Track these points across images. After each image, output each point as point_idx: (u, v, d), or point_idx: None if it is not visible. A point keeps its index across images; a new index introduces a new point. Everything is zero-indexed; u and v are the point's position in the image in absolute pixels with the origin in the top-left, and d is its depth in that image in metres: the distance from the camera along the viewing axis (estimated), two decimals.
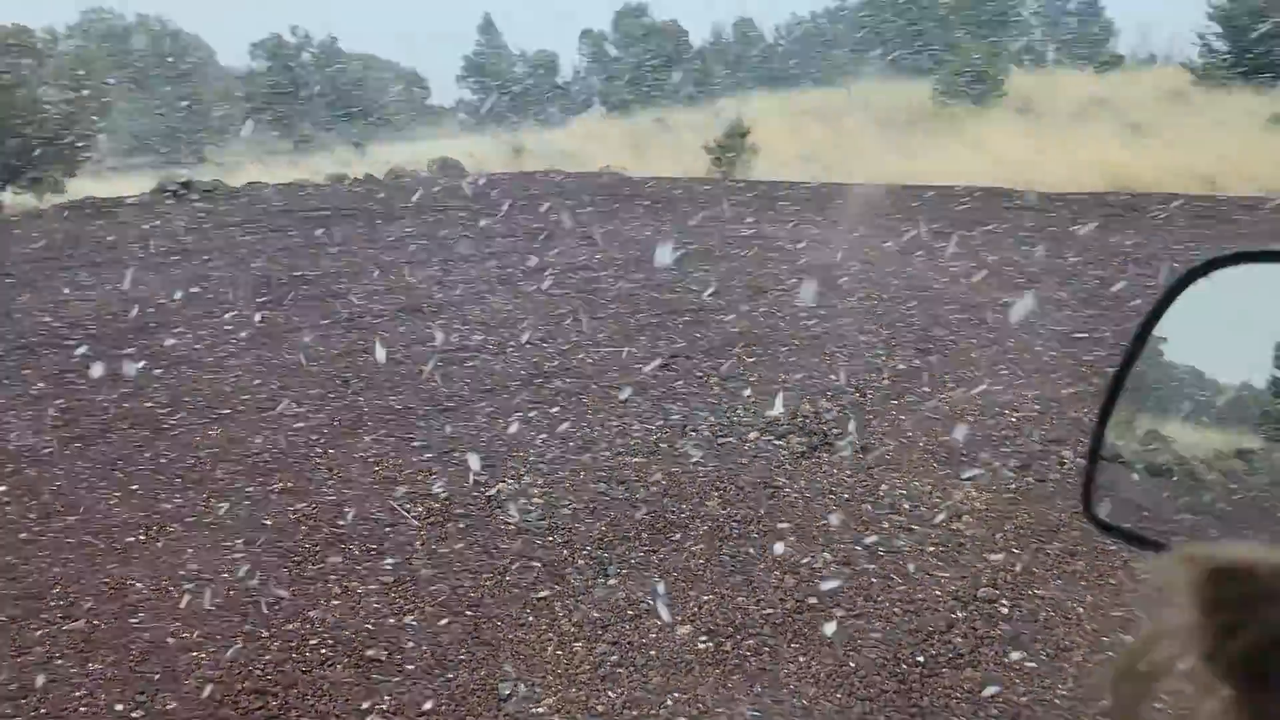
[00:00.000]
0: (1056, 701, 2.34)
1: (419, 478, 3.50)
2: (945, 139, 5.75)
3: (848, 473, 3.50)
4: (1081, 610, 2.70)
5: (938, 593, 2.86)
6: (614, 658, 2.52)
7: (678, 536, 3.03)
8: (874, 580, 2.93)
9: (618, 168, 9.67)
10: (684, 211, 7.28)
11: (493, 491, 3.37)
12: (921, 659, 2.58)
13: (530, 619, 2.66)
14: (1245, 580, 0.39)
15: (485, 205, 8.12)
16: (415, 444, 3.80)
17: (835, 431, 3.79)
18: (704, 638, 2.62)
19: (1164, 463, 1.02)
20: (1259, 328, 0.98)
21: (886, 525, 3.14)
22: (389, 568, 2.92)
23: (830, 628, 2.62)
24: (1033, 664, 2.47)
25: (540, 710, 2.32)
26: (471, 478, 3.41)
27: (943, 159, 5.38)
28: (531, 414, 4.03)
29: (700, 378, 4.42)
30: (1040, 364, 4.45)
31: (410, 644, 2.55)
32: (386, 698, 2.35)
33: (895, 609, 2.78)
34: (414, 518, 3.23)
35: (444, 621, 2.65)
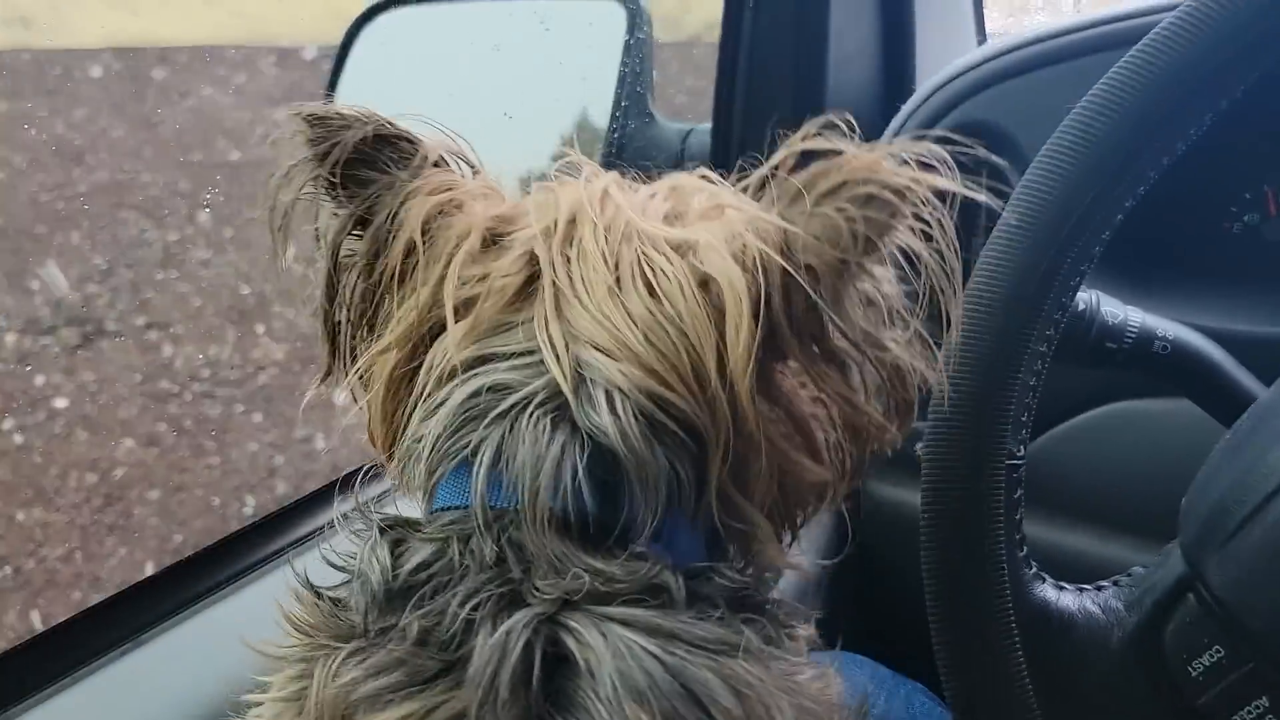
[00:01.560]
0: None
1: None
2: None
3: (134, 355, 3.26)
4: None
5: (254, 447, 2.85)
6: None
7: None
8: (185, 453, 2.82)
9: None
10: None
11: None
12: (250, 511, 2.57)
13: None
14: (331, 117, 0.54)
15: None
16: None
17: (111, 314, 3.48)
18: None
19: None
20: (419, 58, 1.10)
21: (188, 396, 3.02)
22: None
23: (147, 510, 2.49)
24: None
25: None
26: None
27: (178, 15, 5.00)
28: None
29: None
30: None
31: None
32: None
33: (213, 474, 2.72)
34: None
35: None
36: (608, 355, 0.46)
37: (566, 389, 0.46)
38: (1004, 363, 0.56)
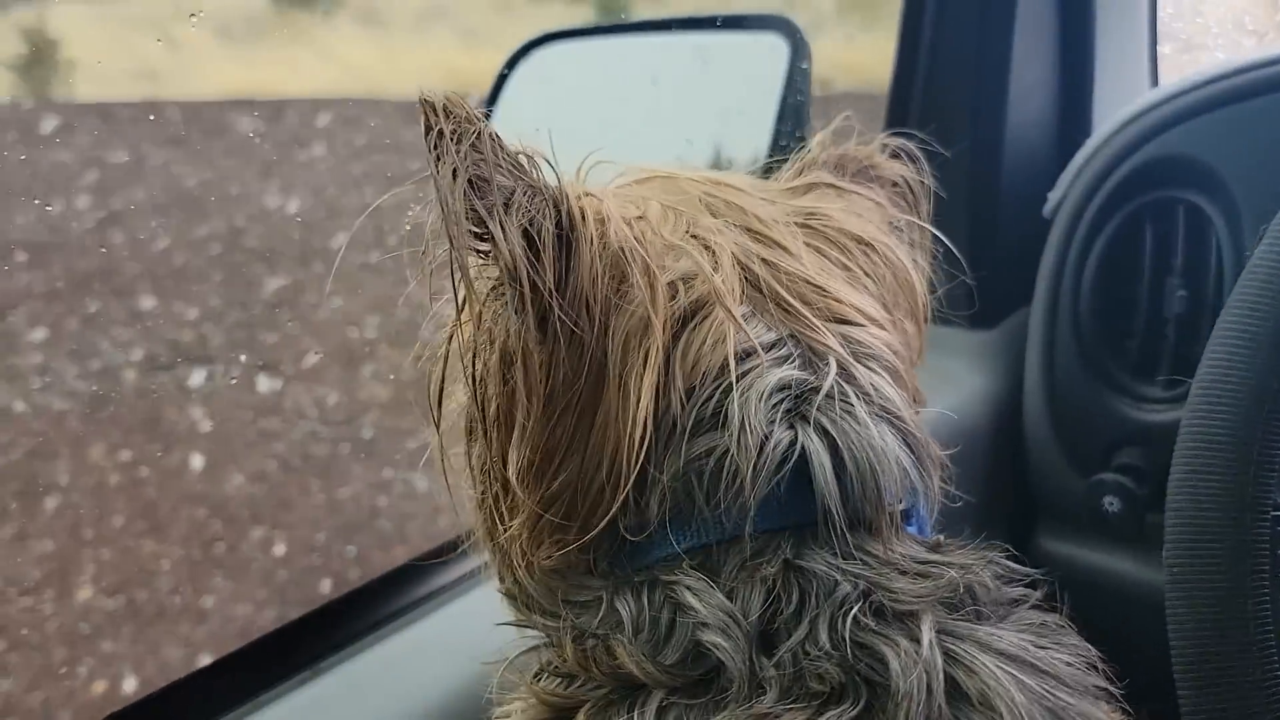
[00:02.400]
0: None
1: None
2: (292, 49, 5.58)
3: (245, 392, 3.34)
4: None
5: (359, 487, 2.88)
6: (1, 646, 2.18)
7: (54, 502, 2.68)
8: (292, 491, 2.86)
9: None
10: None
11: None
12: (353, 550, 2.59)
13: None
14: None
15: None
16: None
17: (225, 354, 3.58)
18: (110, 597, 2.37)
19: None
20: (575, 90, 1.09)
21: (297, 435, 3.08)
22: None
23: (253, 546, 2.53)
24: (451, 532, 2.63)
25: None
26: None
27: (292, 70, 5.21)
28: None
29: (54, 322, 3.86)
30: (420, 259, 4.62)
31: None
32: None
33: (318, 513, 2.75)
34: None
35: None
36: (862, 327, 0.46)
37: (861, 374, 0.44)
38: (1271, 402, 0.51)
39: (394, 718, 0.57)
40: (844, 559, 0.41)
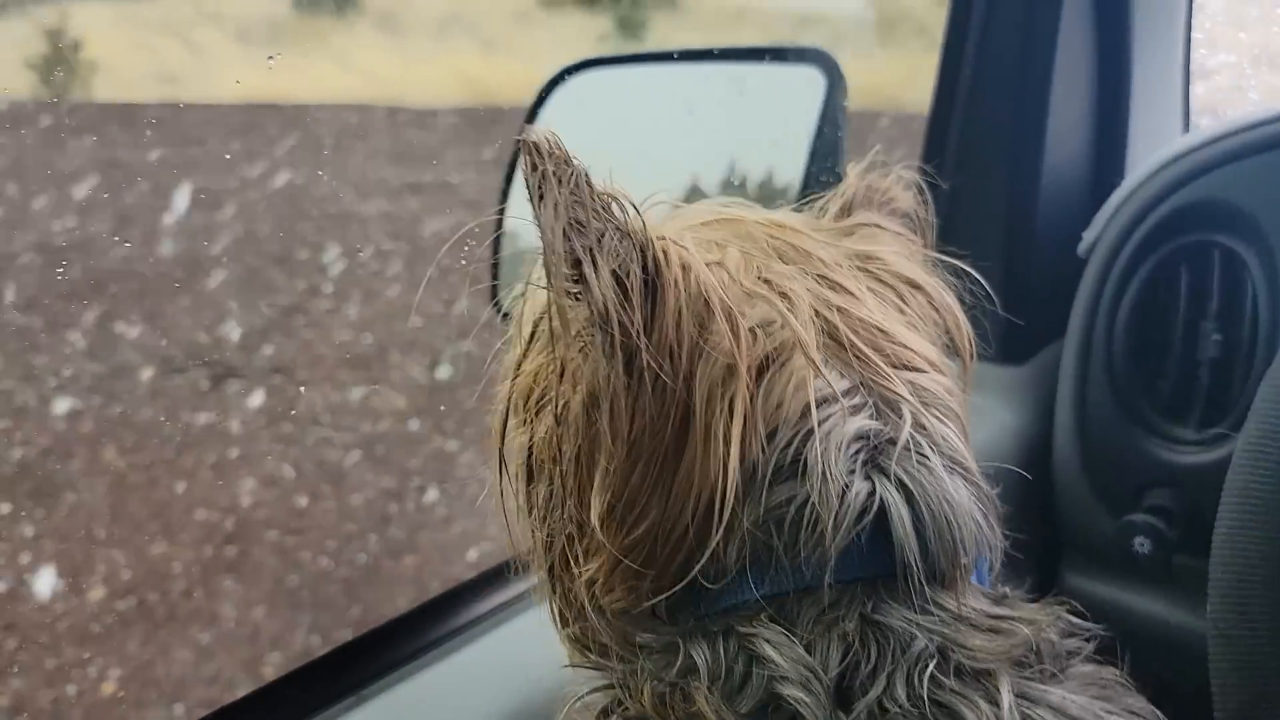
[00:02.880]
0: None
1: None
2: (310, 54, 5.60)
3: (260, 397, 3.35)
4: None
5: (371, 494, 2.88)
6: (11, 644, 2.18)
7: (70, 498, 2.68)
8: (304, 496, 2.86)
9: None
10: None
11: None
12: (364, 557, 2.59)
13: None
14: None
15: None
16: None
17: (240, 359, 3.59)
18: (121, 597, 2.37)
19: None
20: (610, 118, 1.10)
21: (309, 440, 3.08)
22: None
23: (263, 551, 2.53)
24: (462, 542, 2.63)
25: None
26: None
27: (311, 75, 5.23)
28: None
29: (68, 322, 3.87)
30: (437, 270, 4.62)
31: None
32: None
33: (329, 519, 2.76)
34: None
35: None
36: (926, 373, 0.47)
37: (932, 424, 0.44)
38: None
39: None
40: (920, 614, 0.41)
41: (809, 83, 1.01)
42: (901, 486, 0.42)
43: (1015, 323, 0.97)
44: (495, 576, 0.67)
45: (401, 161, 5.39)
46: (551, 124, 1.12)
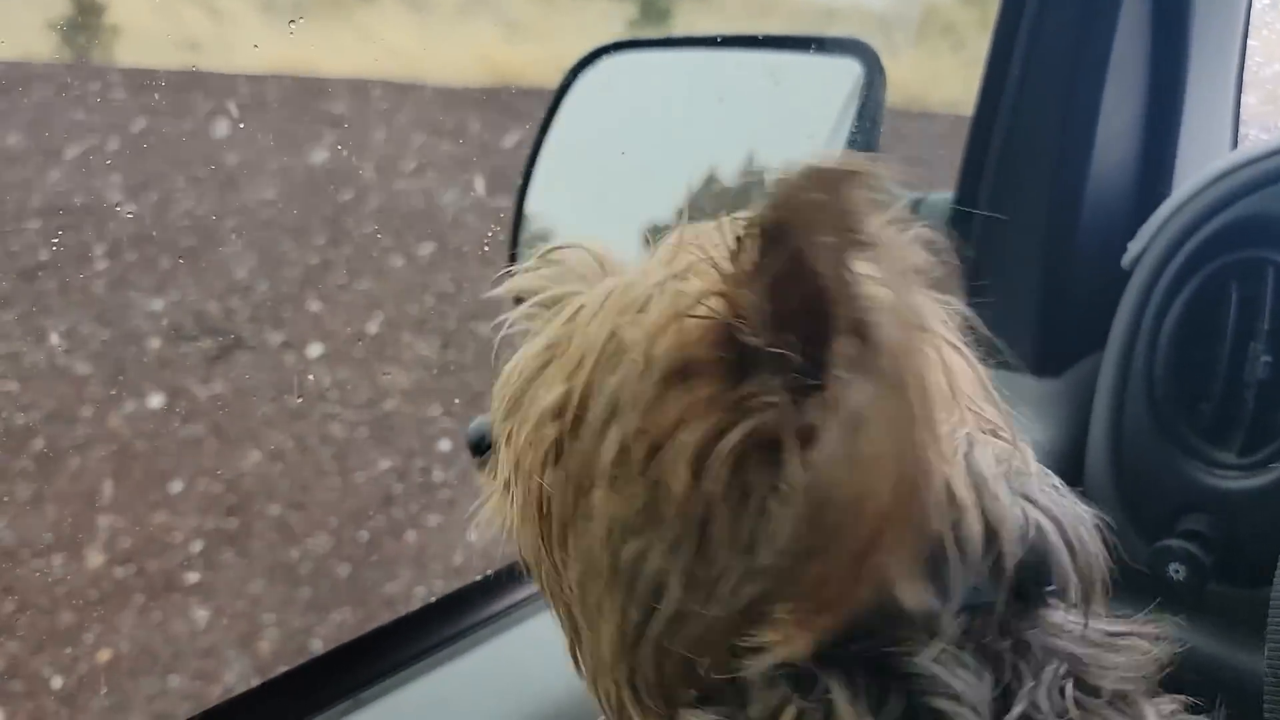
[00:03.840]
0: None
1: None
2: (335, 27, 5.57)
3: (268, 370, 3.34)
4: None
5: (375, 472, 2.87)
6: (9, 607, 2.17)
7: (75, 463, 2.67)
8: (308, 471, 2.85)
9: None
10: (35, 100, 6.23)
11: None
12: (366, 534, 2.58)
13: None
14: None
15: None
16: None
17: (250, 329, 3.57)
18: (121, 565, 2.36)
19: None
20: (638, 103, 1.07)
21: (316, 416, 3.06)
22: None
23: (266, 525, 2.52)
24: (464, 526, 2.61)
25: None
26: None
27: (335, 48, 5.21)
28: None
29: (81, 286, 3.86)
30: (450, 248, 4.61)
31: None
32: None
33: (332, 495, 2.74)
34: None
35: None
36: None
37: (1026, 449, 0.45)
38: None
39: None
40: (1062, 633, 0.41)
41: (847, 75, 0.98)
42: (1042, 508, 0.42)
43: (1052, 334, 0.94)
44: (500, 580, 0.65)
45: (422, 137, 5.36)
46: (578, 105, 1.09)
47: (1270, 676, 0.50)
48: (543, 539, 0.49)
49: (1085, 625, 0.42)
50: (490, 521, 0.57)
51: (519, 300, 0.59)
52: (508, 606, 0.64)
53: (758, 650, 0.41)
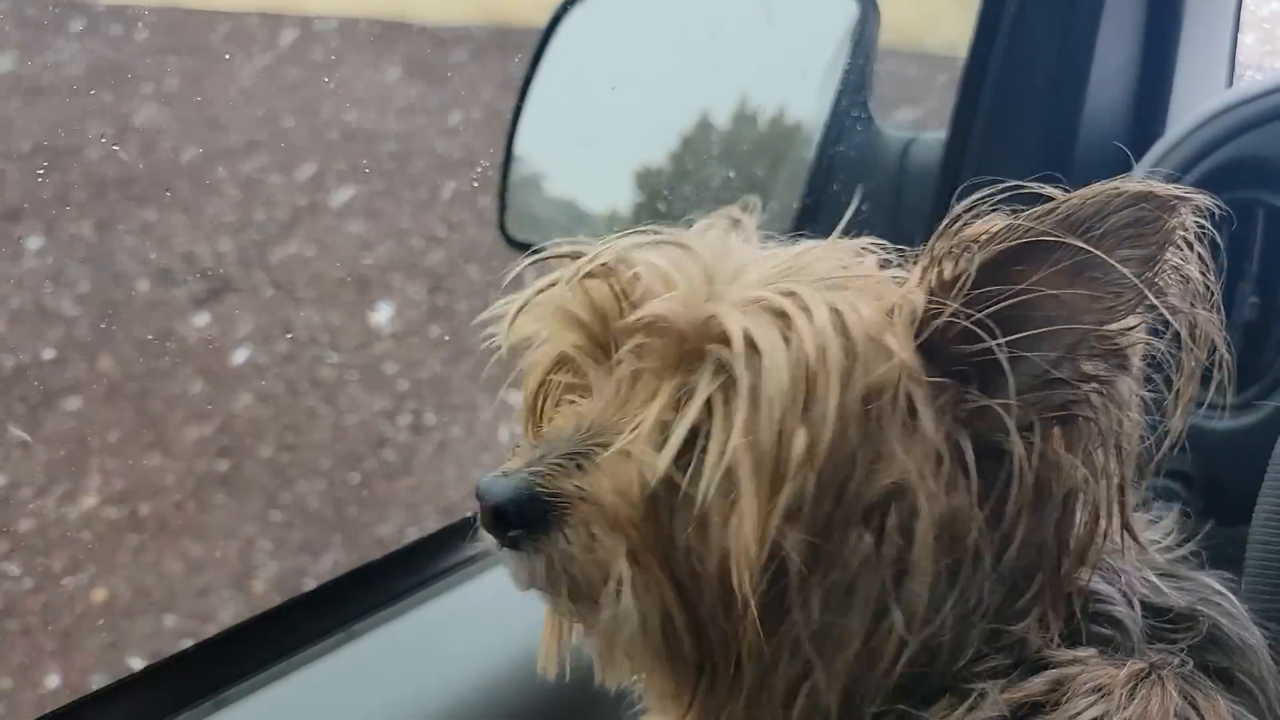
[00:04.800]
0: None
1: None
2: None
3: (256, 312, 3.32)
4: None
5: (365, 415, 2.87)
6: (4, 546, 2.19)
7: (66, 405, 2.67)
8: (299, 414, 2.85)
9: None
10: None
11: None
12: (357, 478, 2.59)
13: None
14: None
15: None
16: None
17: (238, 272, 3.54)
18: (114, 506, 2.37)
19: None
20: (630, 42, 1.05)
21: (306, 359, 3.06)
22: None
23: (257, 466, 2.53)
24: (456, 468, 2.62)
25: None
26: None
27: None
28: None
29: (69, 228, 3.82)
30: (436, 192, 4.56)
31: None
32: None
33: (323, 437, 2.75)
34: None
35: None
36: None
37: None
38: None
39: (430, 686, 0.56)
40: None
41: (840, 13, 0.97)
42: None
43: None
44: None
45: (410, 78, 5.28)
46: (568, 46, 1.07)
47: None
48: (759, 592, 0.45)
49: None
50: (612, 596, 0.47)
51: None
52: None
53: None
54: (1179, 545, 0.53)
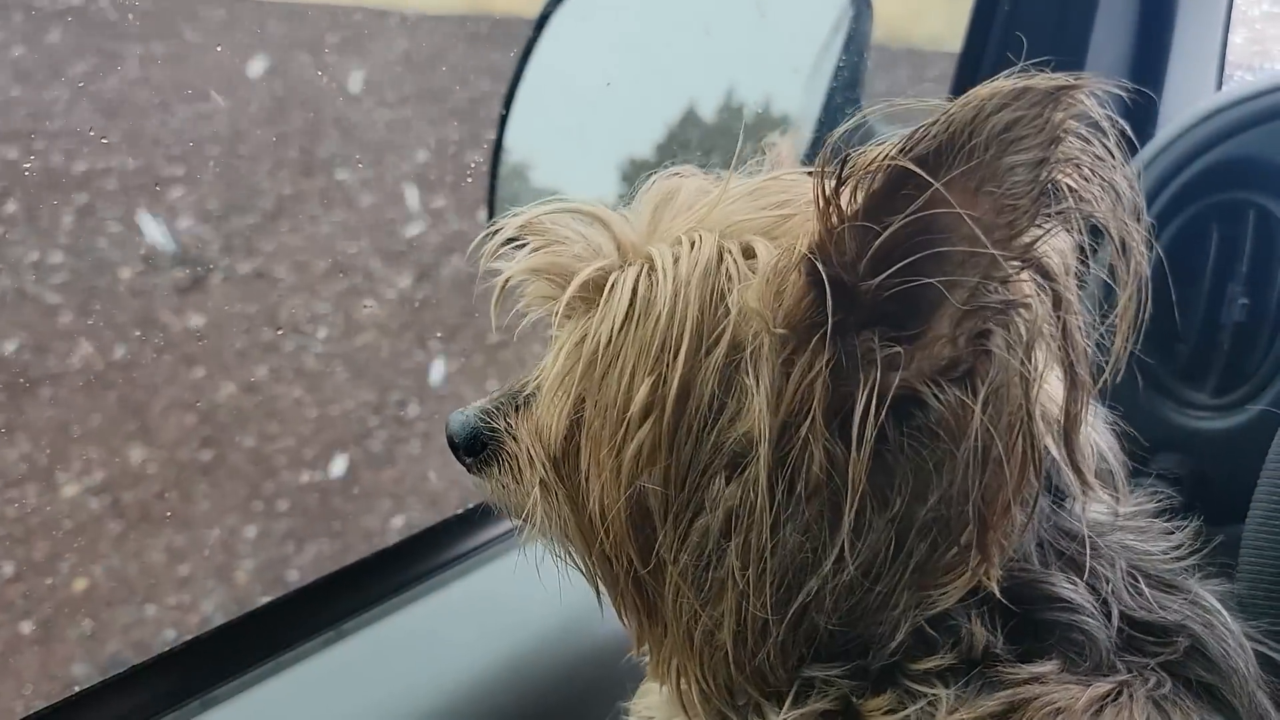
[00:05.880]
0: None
1: None
2: None
3: (240, 301, 3.30)
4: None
5: (350, 405, 2.86)
6: None
7: (48, 393, 2.64)
8: (283, 403, 2.84)
9: None
10: None
11: None
12: (342, 469, 2.59)
13: None
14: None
15: None
16: None
17: (223, 260, 3.52)
18: (96, 496, 2.36)
19: None
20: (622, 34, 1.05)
21: (291, 348, 3.04)
22: None
23: (240, 457, 2.52)
24: (442, 456, 2.61)
25: None
26: None
27: None
28: None
29: (48, 216, 3.78)
30: (425, 178, 4.54)
31: None
32: None
33: (308, 428, 2.74)
34: None
35: None
36: None
37: None
38: None
39: (419, 684, 0.55)
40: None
41: (833, 8, 0.96)
42: None
43: None
44: (477, 514, 0.65)
45: (399, 67, 5.25)
46: (561, 39, 1.07)
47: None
48: (631, 535, 0.47)
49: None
50: (532, 521, 0.53)
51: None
52: (487, 541, 0.64)
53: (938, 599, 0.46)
54: (1187, 555, 0.52)
